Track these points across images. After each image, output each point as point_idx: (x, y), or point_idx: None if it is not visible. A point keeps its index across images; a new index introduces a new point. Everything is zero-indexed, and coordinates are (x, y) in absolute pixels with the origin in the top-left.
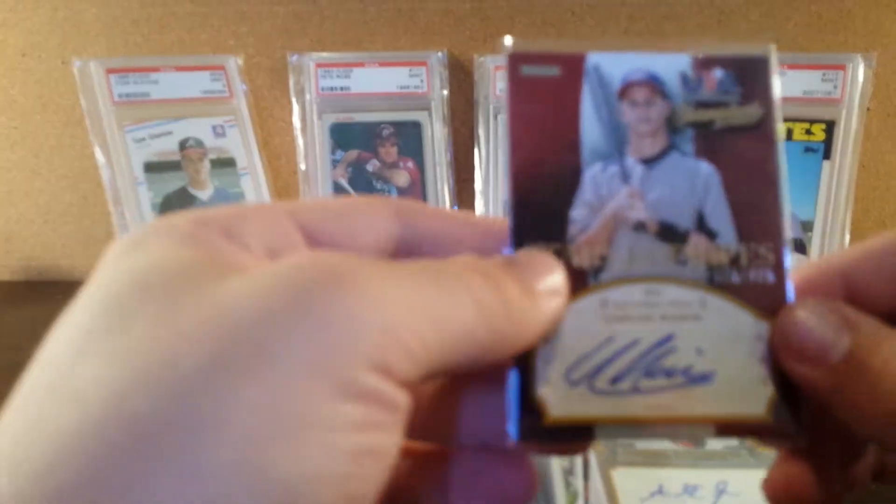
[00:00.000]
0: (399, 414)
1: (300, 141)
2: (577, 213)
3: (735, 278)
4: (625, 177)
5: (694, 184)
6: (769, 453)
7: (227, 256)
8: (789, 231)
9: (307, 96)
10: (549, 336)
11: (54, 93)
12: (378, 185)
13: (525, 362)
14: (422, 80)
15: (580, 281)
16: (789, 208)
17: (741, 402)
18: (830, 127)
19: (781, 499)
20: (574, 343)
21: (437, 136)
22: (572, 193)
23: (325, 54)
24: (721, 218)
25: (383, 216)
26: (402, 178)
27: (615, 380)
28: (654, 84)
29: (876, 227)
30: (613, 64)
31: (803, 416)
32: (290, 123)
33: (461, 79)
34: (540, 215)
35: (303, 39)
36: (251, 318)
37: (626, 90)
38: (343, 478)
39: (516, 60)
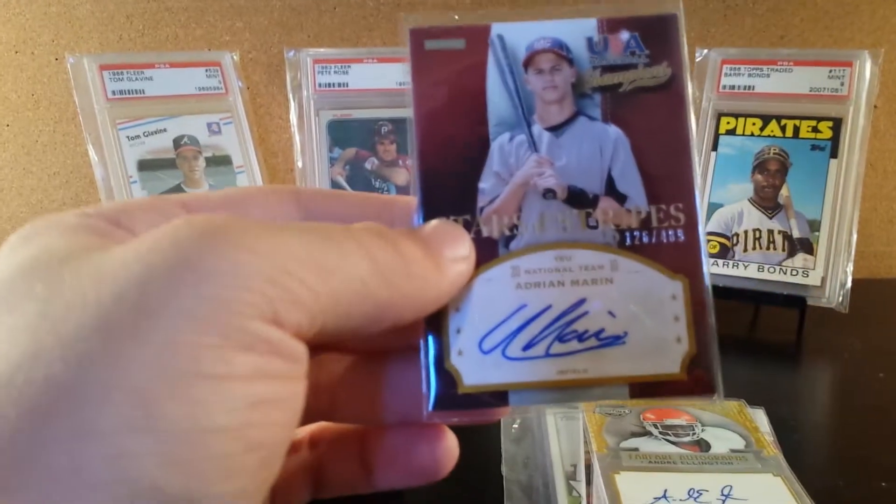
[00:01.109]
0: (297, 364)
1: (297, 138)
2: (486, 184)
3: (646, 239)
4: (533, 145)
5: (602, 148)
6: (776, 458)
7: (114, 237)
8: (699, 189)
9: (304, 93)
10: (461, 305)
11: (47, 89)
12: (377, 184)
13: (437, 332)
14: None
15: (490, 250)
16: (699, 166)
17: (655, 362)
18: (837, 124)
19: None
20: (486, 312)
21: None
22: (480, 164)
23: (322, 50)
24: (630, 181)
25: (280, 202)
26: (401, 176)
27: (528, 346)
28: (558, 51)
29: (883, 227)
30: (518, 33)
31: (717, 372)
32: (287, 120)
33: None
34: (448, 188)
35: (300, 35)
36: (132, 278)
37: (531, 59)
38: (242, 427)
39: (419, 35)
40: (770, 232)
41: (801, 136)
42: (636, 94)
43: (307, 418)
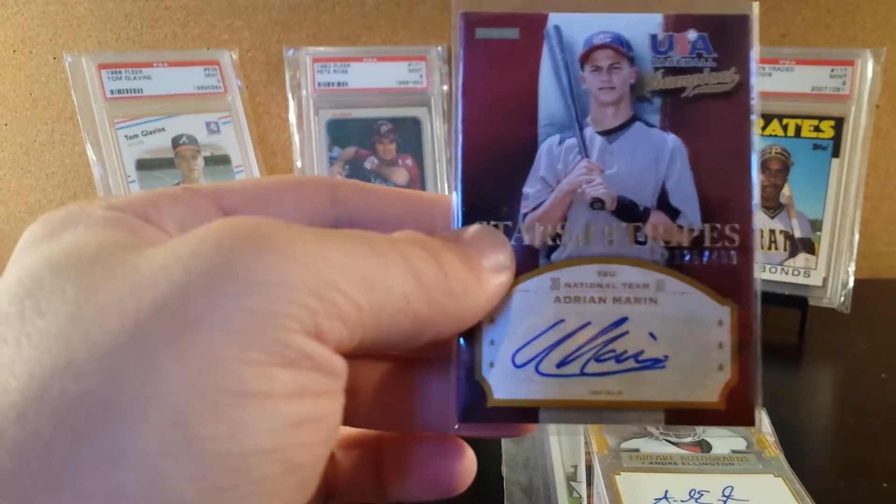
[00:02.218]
0: (338, 380)
1: (296, 138)
2: (531, 188)
3: (697, 259)
4: (584, 150)
5: (658, 158)
6: (778, 459)
7: (142, 236)
8: (757, 210)
9: (303, 92)
10: (496, 316)
11: (45, 88)
12: (376, 183)
13: (471, 342)
14: (421, 76)
15: (531, 260)
16: (758, 186)
17: (694, 389)
18: (839, 123)
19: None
20: (521, 324)
21: (436, 133)
22: (526, 167)
23: (321, 48)
24: (685, 195)
25: (315, 196)
26: (400, 175)
27: (562, 363)
28: (619, 47)
29: (885, 227)
30: (576, 25)
31: (757, 403)
32: (286, 120)
33: None
34: (490, 191)
35: (299, 33)
36: (170, 286)
37: (588, 54)
38: (284, 448)
39: (471, 22)
40: (772, 232)
41: (802, 135)
42: (699, 101)
43: None
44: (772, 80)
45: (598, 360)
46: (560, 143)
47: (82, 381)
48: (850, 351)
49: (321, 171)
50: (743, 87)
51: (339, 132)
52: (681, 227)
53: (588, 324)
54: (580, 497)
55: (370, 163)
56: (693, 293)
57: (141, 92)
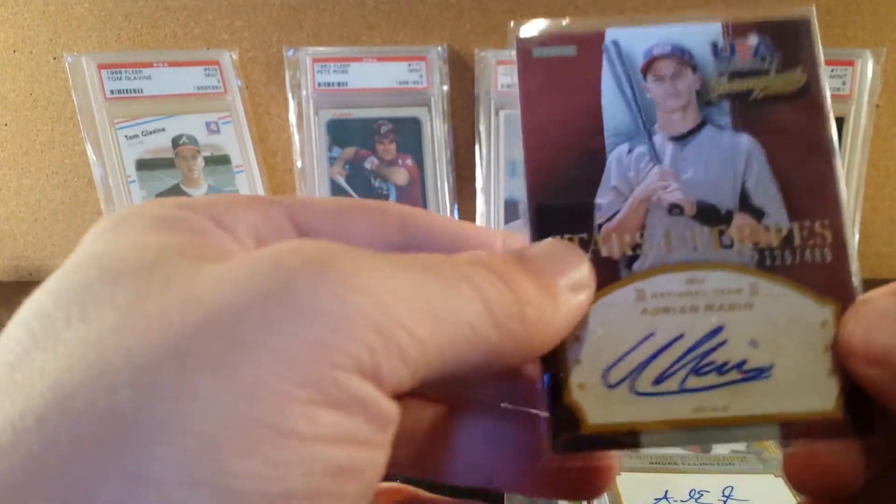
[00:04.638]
0: (387, 427)
1: (296, 138)
2: (603, 199)
3: (789, 259)
4: (655, 156)
5: (734, 159)
6: (777, 458)
7: (211, 242)
8: (848, 204)
9: (304, 92)
10: (580, 333)
11: (45, 89)
12: (376, 183)
13: (556, 366)
14: (421, 75)
15: (611, 272)
16: (844, 180)
17: (806, 398)
18: (839, 123)
19: (809, 480)
20: (610, 341)
21: (436, 133)
22: (596, 179)
23: (321, 49)
24: (767, 194)
25: (386, 222)
26: (400, 175)
27: (659, 380)
28: (680, 56)
29: (886, 227)
30: (634, 39)
31: (877, 408)
32: (286, 120)
33: (461, 74)
34: (561, 205)
35: (299, 33)
36: (223, 307)
37: (650, 65)
38: (315, 495)
39: (527, 43)
40: None
41: None
42: (769, 102)
43: None
44: None
45: (697, 373)
46: (629, 151)
47: (112, 395)
48: None
49: (321, 171)
50: (812, 85)
51: (339, 132)
52: (767, 228)
53: (682, 335)
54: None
55: (370, 163)
56: (790, 294)
57: (141, 92)
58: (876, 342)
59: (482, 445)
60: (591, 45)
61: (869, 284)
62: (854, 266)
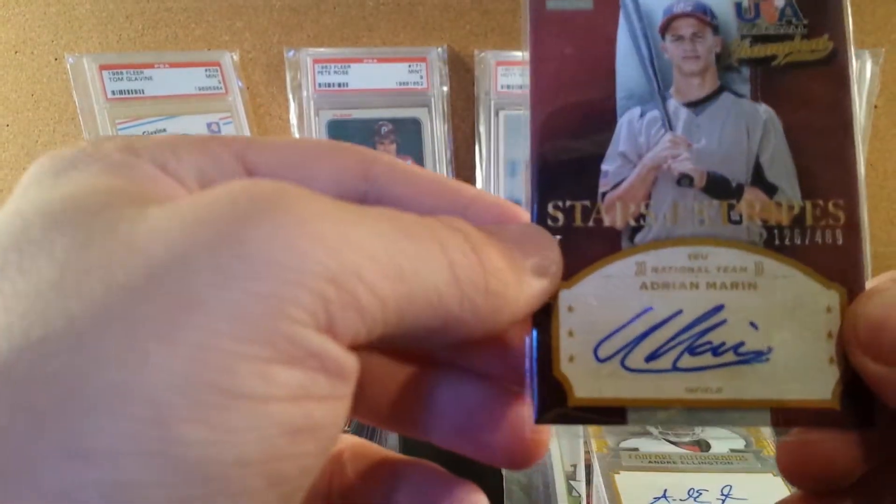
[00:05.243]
0: (346, 380)
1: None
2: (610, 165)
3: (799, 239)
4: (667, 123)
5: (750, 130)
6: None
7: (156, 187)
8: (863, 185)
9: (304, 93)
10: (574, 304)
11: (47, 89)
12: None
13: (545, 333)
14: (421, 76)
15: (612, 242)
16: (863, 157)
17: (803, 385)
18: None
19: (801, 471)
20: (604, 313)
21: (436, 134)
22: (605, 143)
23: (322, 50)
24: (782, 170)
25: (349, 168)
26: None
27: (652, 356)
28: (702, 15)
29: (885, 227)
30: None
31: (878, 402)
32: (287, 120)
33: (461, 74)
34: (565, 168)
35: (300, 34)
36: (168, 255)
37: (669, 23)
38: (272, 458)
39: None
40: None
41: None
42: (791, 70)
43: None
44: None
45: (692, 352)
46: (641, 116)
47: (54, 361)
48: None
49: None
50: (839, 54)
51: (340, 133)
52: (779, 205)
53: (680, 312)
54: (579, 496)
55: None
56: (797, 276)
57: (142, 93)
58: (884, 337)
59: (456, 408)
60: (608, 0)
61: None
62: (866, 249)
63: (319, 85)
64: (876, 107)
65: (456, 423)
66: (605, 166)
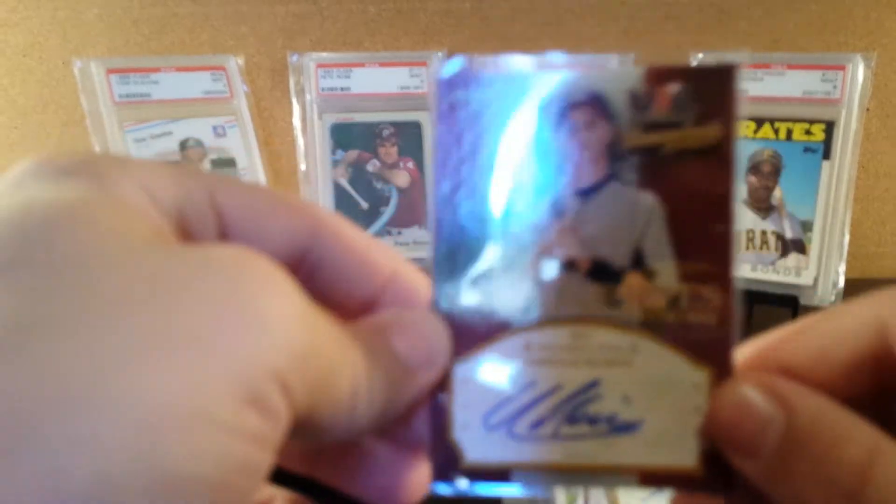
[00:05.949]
0: (281, 435)
1: (300, 141)
2: (501, 248)
3: (673, 321)
4: (557, 209)
5: (633, 217)
6: None
7: (146, 220)
8: (738, 269)
9: (307, 96)
10: (468, 377)
11: (55, 93)
12: (378, 185)
13: (443, 403)
14: (422, 81)
15: (503, 322)
16: (740, 244)
17: (670, 453)
18: (830, 127)
19: None
20: (494, 387)
21: None
22: (497, 229)
23: (325, 54)
24: (661, 255)
25: (301, 227)
26: (402, 178)
27: (536, 425)
28: (596, 104)
29: (875, 227)
30: (552, 82)
31: (736, 469)
32: (291, 124)
33: None
34: (459, 250)
35: (303, 40)
36: (175, 289)
37: (564, 112)
38: (220, 487)
39: (447, 82)
40: (763, 232)
41: (794, 138)
42: (678, 158)
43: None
44: (763, 85)
45: (570, 422)
46: (535, 202)
47: (19, 375)
48: None
49: (324, 173)
50: (726, 141)
51: (343, 136)
52: (657, 289)
53: (559, 386)
54: (576, 491)
55: (372, 165)
56: (667, 356)
57: (149, 96)
58: (739, 436)
59: (378, 470)
60: (508, 87)
61: (859, 285)
62: (736, 334)
63: (322, 89)
64: (868, 110)
65: (379, 482)
66: (497, 249)
